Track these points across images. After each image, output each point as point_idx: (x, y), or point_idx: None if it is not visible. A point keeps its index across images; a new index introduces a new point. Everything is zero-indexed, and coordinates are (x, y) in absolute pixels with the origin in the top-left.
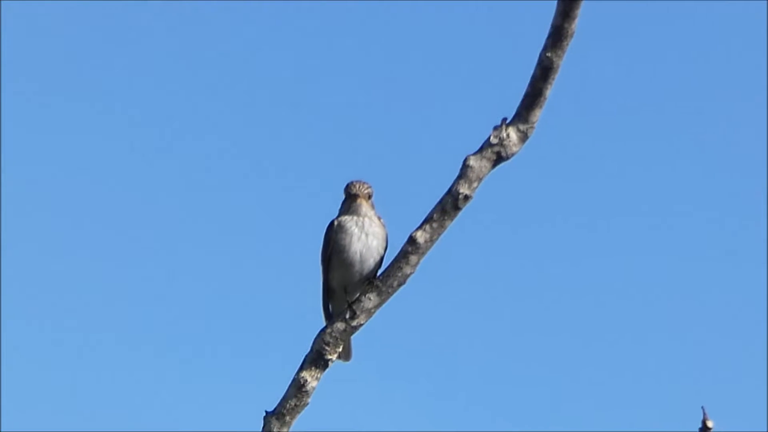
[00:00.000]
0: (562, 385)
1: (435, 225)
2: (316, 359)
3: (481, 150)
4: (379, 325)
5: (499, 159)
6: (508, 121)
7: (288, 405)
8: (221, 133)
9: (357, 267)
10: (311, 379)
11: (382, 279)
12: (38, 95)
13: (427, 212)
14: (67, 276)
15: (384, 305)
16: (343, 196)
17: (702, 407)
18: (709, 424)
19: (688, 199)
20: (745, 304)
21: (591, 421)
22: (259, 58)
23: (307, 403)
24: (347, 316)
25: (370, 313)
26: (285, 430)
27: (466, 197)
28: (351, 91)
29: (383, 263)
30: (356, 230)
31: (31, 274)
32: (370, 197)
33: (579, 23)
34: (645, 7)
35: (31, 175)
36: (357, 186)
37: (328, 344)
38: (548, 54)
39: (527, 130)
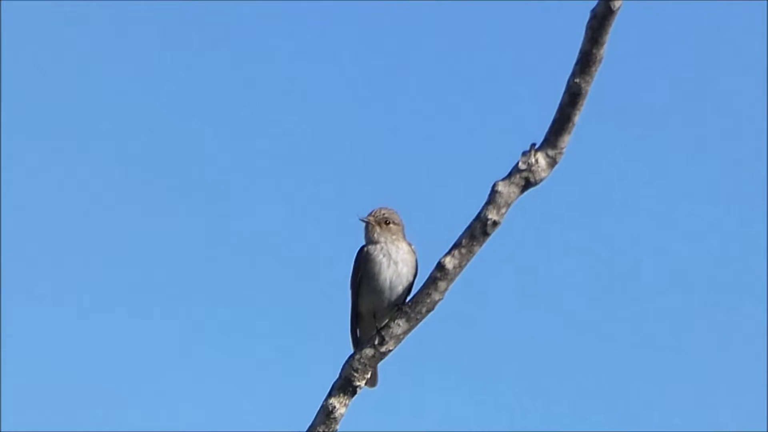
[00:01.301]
0: (589, 408)
1: (464, 251)
2: (345, 385)
3: (509, 175)
4: (406, 351)
5: (527, 184)
6: (536, 147)
7: (317, 431)
8: (233, 143)
9: (386, 294)
10: (339, 405)
11: (411, 305)
12: (38, 95)
13: (456, 238)
14: (76, 280)
15: (412, 331)
16: None
17: None
18: None
19: (718, 215)
20: (746, 304)
21: (589, 420)
22: (284, 80)
23: (336, 430)
24: (376, 342)
25: (398, 339)
26: None
27: (495, 223)
28: (381, 117)
29: (413, 289)
30: (384, 259)
31: (31, 274)
32: (387, 222)
33: (607, 48)
34: (675, 30)
35: (31, 175)
36: (372, 212)
37: (356, 370)
38: (576, 80)
39: (556, 155)
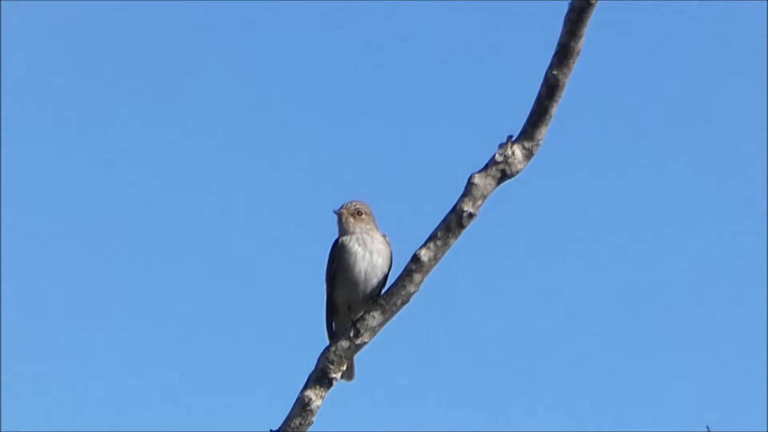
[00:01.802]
0: (568, 405)
1: (439, 243)
2: (321, 378)
3: (486, 168)
4: (382, 344)
5: (503, 176)
6: (513, 139)
7: (293, 424)
8: (220, 139)
9: (361, 286)
10: (316, 397)
11: (386, 297)
12: (38, 95)
13: (432, 230)
14: (56, 269)
15: (387, 324)
16: None
17: (707, 426)
18: None
19: (694, 212)
20: (746, 304)
21: (588, 420)
22: (264, 69)
23: (312, 422)
24: (351, 335)
25: (374, 331)
26: None
27: (471, 215)
28: (356, 108)
29: (388, 281)
30: (359, 249)
31: (31, 274)
32: (360, 214)
33: (585, 41)
34: (652, 22)
35: (30, 174)
36: (343, 205)
37: (332, 363)
38: (554, 72)
39: (532, 147)
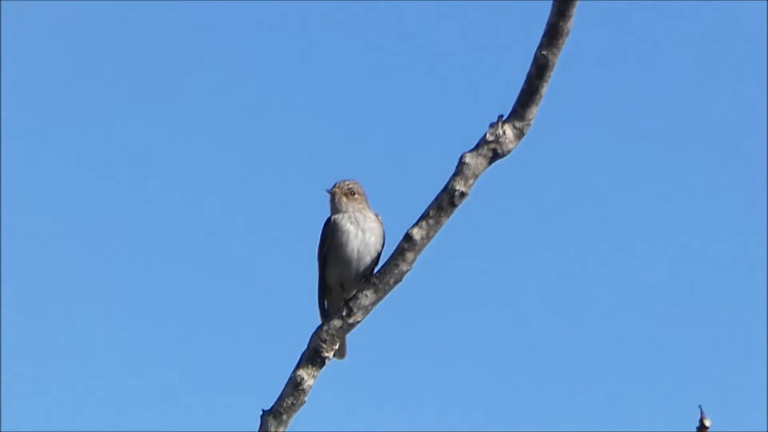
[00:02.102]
0: (559, 381)
1: (431, 222)
2: (313, 357)
3: (477, 147)
4: (374, 322)
5: (495, 156)
6: (504, 119)
7: (285, 403)
8: (212, 128)
9: (354, 264)
10: (308, 377)
11: (379, 276)
12: (38, 95)
13: (424, 209)
14: (56, 269)
15: (380, 302)
16: None
17: (699, 406)
18: (707, 422)
19: (685, 194)
20: (745, 302)
21: (588, 420)
22: (248, 50)
23: (304, 402)
24: (344, 314)
25: (366, 310)
26: (282, 429)
27: (462, 194)
28: (347, 89)
29: (380, 260)
30: (352, 228)
31: (30, 274)
32: (352, 193)
33: (575, 21)
34: (642, 4)
35: (29, 174)
36: (335, 184)
37: (324, 342)
38: (544, 52)
39: (523, 127)
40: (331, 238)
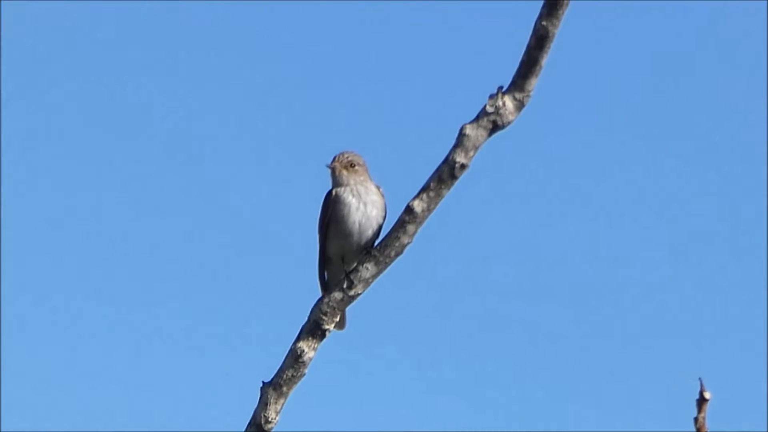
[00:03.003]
0: (553, 359)
1: (432, 194)
2: (313, 329)
3: (477, 119)
4: (376, 294)
5: (495, 128)
6: (504, 90)
7: (285, 375)
8: (204, 108)
9: (355, 237)
10: (308, 349)
11: (380, 249)
12: (38, 95)
13: (424, 181)
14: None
15: (381, 275)
16: None
17: (699, 378)
18: (706, 395)
19: (686, 170)
20: (746, 301)
21: (581, 410)
22: (240, 29)
23: (305, 374)
24: (345, 286)
25: (367, 282)
26: (282, 400)
27: (463, 166)
28: (348, 60)
29: (382, 232)
30: (353, 200)
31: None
32: (353, 165)
33: None
34: None
35: (30, 175)
36: (335, 157)
37: (325, 314)
38: (543, 22)
39: (523, 98)
40: (332, 211)
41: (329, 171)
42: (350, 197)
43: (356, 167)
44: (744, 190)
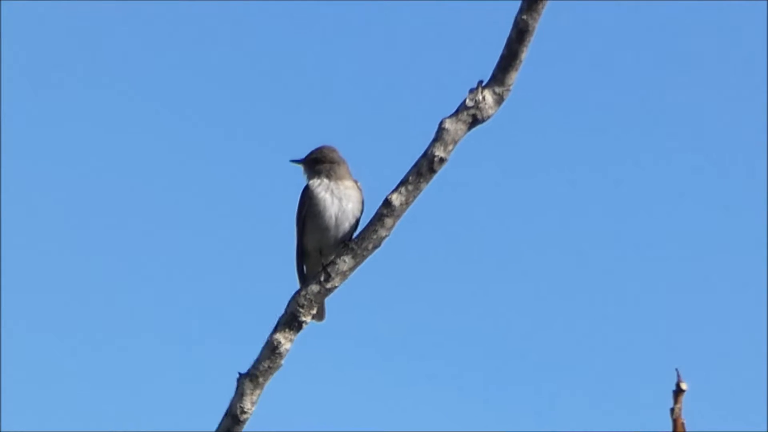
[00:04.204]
0: (532, 349)
1: (410, 188)
2: (290, 321)
3: (456, 113)
4: (354, 286)
5: (474, 122)
6: (483, 84)
7: (261, 367)
8: (178, 98)
9: (332, 231)
10: (285, 341)
11: (358, 242)
12: (38, 95)
13: (403, 175)
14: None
15: (359, 268)
16: None
17: (676, 369)
18: (683, 386)
19: (668, 163)
20: (745, 301)
21: (560, 403)
22: (223, 15)
23: (281, 365)
24: (322, 279)
25: (344, 275)
26: (258, 391)
27: (442, 160)
28: (328, 53)
29: (360, 226)
30: (328, 195)
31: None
32: (329, 161)
33: None
34: None
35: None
36: (311, 154)
37: (302, 306)
38: (524, 16)
39: (503, 92)
40: (308, 206)
41: (303, 167)
42: (324, 192)
43: (332, 162)
44: (717, 175)
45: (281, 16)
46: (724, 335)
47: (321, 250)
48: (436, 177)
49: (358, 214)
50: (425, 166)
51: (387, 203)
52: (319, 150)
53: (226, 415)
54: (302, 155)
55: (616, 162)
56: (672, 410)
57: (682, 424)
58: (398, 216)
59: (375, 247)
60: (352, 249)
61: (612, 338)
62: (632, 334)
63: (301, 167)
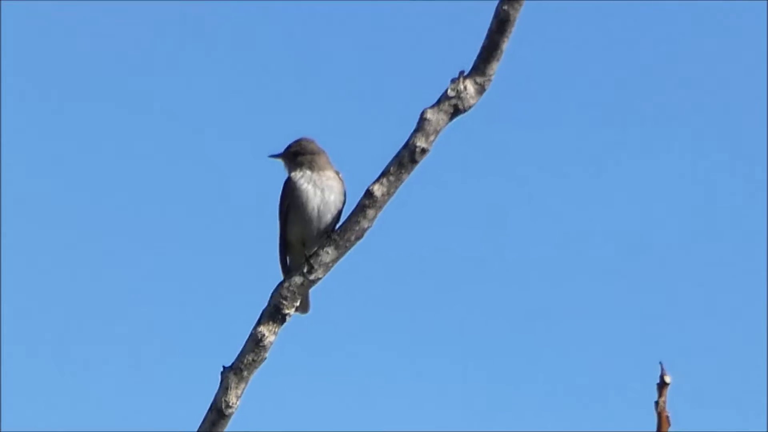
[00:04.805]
0: (515, 341)
1: (392, 178)
2: (274, 313)
3: (438, 103)
4: (337, 278)
5: (456, 112)
6: (465, 74)
7: (245, 360)
8: (156, 91)
9: (315, 223)
10: (269, 333)
11: (340, 233)
12: (38, 95)
13: (385, 166)
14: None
15: (342, 259)
16: None
17: (660, 363)
18: (667, 379)
19: (651, 156)
20: (746, 300)
21: (542, 397)
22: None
23: (265, 358)
24: (305, 270)
25: (327, 267)
26: (243, 385)
27: (423, 150)
28: (305, 45)
29: (342, 216)
30: (310, 187)
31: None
32: (309, 152)
33: None
34: None
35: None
36: (289, 147)
37: (285, 298)
38: (505, 7)
39: (484, 82)
40: (290, 198)
41: (283, 161)
42: (306, 184)
43: (312, 154)
44: (706, 171)
45: (258, 7)
46: (715, 329)
47: (304, 242)
48: (417, 167)
49: (340, 205)
50: (407, 157)
51: (369, 194)
52: (297, 143)
53: (210, 409)
54: (280, 149)
55: (596, 152)
56: (656, 403)
57: (667, 417)
58: (380, 207)
59: (357, 238)
60: (335, 240)
61: (596, 332)
62: (617, 328)
63: (281, 161)
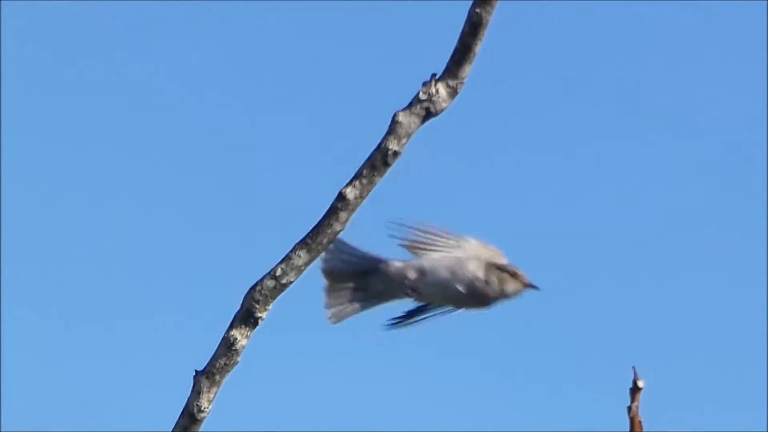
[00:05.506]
0: (501, 337)
1: (364, 181)
2: (246, 317)
3: (410, 106)
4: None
5: (428, 115)
6: (437, 77)
7: (218, 364)
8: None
9: None
10: (241, 337)
11: (312, 236)
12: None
13: (357, 169)
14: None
15: (314, 262)
16: None
17: (633, 367)
18: (640, 384)
19: (629, 155)
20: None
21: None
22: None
23: (237, 362)
24: (277, 274)
25: (299, 270)
26: (215, 389)
27: (396, 153)
28: (276, 46)
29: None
30: None
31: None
32: None
33: None
34: None
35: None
36: None
37: (257, 302)
38: (477, 9)
39: (456, 85)
40: None
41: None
42: None
43: None
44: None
45: (228, 5)
46: (715, 330)
47: None
48: (389, 170)
49: None
50: (379, 160)
51: (341, 197)
52: None
53: (182, 414)
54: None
55: (569, 155)
56: (629, 408)
57: (639, 422)
58: (353, 210)
59: (330, 241)
60: (307, 244)
61: (575, 332)
62: (617, 328)
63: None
